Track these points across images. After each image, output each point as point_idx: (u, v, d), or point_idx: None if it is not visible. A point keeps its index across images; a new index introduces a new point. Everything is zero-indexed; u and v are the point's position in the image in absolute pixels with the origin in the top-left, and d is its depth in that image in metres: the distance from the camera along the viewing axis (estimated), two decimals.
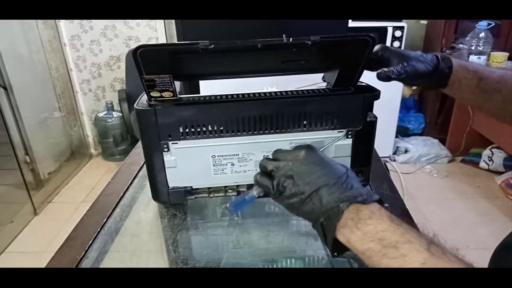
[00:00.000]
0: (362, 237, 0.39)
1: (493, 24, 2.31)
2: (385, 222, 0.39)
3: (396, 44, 2.46)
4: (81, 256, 0.62)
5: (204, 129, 0.62)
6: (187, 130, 0.62)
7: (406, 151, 2.76)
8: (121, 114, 2.58)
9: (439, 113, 2.83)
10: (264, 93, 0.64)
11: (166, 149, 0.63)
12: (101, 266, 0.62)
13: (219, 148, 0.64)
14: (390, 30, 2.42)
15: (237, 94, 0.64)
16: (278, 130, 0.64)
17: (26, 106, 2.18)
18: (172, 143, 0.63)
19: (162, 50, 0.56)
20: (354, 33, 0.56)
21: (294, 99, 0.62)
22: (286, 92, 0.64)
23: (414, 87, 2.66)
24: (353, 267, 0.59)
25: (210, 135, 0.62)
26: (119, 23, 2.55)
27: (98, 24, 2.55)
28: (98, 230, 0.68)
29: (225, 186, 0.69)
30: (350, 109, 0.63)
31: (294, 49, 0.57)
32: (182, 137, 0.62)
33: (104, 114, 2.68)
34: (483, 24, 2.29)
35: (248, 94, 0.64)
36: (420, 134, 2.93)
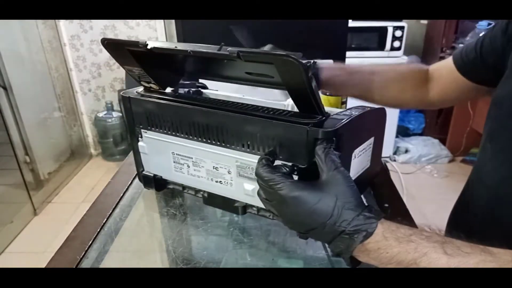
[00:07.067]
0: (380, 264, 0.40)
1: (493, 24, 2.31)
2: (394, 247, 0.39)
3: (397, 44, 2.47)
4: (81, 256, 0.62)
5: (165, 124, 0.64)
6: (152, 122, 0.66)
7: (406, 151, 2.77)
8: (121, 114, 2.58)
9: (439, 113, 2.84)
10: (224, 101, 0.60)
11: (140, 135, 0.68)
12: (101, 266, 0.62)
13: (177, 147, 0.65)
14: (390, 30, 2.42)
15: (206, 98, 0.64)
16: (224, 144, 0.58)
17: (26, 106, 2.18)
18: (143, 131, 0.68)
19: (118, 44, 0.58)
20: (277, 52, 0.46)
21: (236, 114, 0.56)
22: (239, 104, 0.58)
23: None
24: None
25: (169, 132, 0.64)
26: (119, 23, 2.55)
27: (98, 24, 2.55)
28: (98, 230, 0.68)
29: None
30: (292, 141, 0.51)
31: (225, 60, 0.56)
32: (148, 127, 0.66)
33: (104, 114, 2.69)
34: (483, 24, 2.29)
35: (216, 100, 0.61)
36: (420, 134, 2.93)
